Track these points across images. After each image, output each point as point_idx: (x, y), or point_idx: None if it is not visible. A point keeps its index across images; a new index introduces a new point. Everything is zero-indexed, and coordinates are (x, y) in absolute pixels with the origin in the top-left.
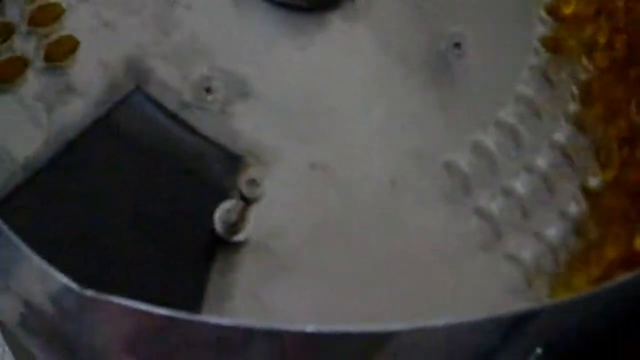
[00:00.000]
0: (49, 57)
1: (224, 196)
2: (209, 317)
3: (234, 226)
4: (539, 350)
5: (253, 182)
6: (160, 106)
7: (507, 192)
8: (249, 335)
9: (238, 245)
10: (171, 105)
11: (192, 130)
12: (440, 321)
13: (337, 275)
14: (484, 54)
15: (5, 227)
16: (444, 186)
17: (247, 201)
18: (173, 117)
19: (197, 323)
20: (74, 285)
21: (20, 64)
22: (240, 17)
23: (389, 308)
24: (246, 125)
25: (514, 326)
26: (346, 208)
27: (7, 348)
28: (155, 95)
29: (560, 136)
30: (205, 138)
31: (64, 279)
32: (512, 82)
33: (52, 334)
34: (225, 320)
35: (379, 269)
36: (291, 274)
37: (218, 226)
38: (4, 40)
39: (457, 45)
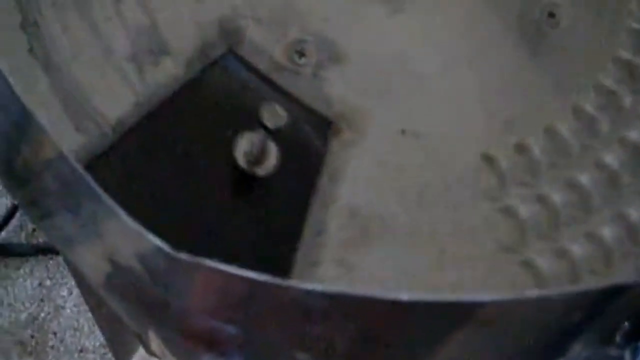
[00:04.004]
0: None
1: (315, 160)
2: (298, 283)
3: (257, 157)
4: (626, 325)
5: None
6: (252, 68)
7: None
8: (338, 301)
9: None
10: (263, 67)
11: (284, 94)
12: (531, 292)
13: (423, 243)
14: (579, 22)
15: (96, 185)
16: (537, 155)
17: (271, 132)
18: (265, 79)
19: (287, 288)
20: (166, 247)
21: None
22: None
23: (474, 277)
24: (338, 90)
25: (604, 300)
26: (436, 175)
27: None
28: (247, 57)
29: None
30: (297, 101)
31: (157, 241)
32: (609, 48)
33: (138, 294)
34: (314, 286)
35: (464, 238)
36: (379, 239)
37: (239, 157)
38: None
39: (552, 15)
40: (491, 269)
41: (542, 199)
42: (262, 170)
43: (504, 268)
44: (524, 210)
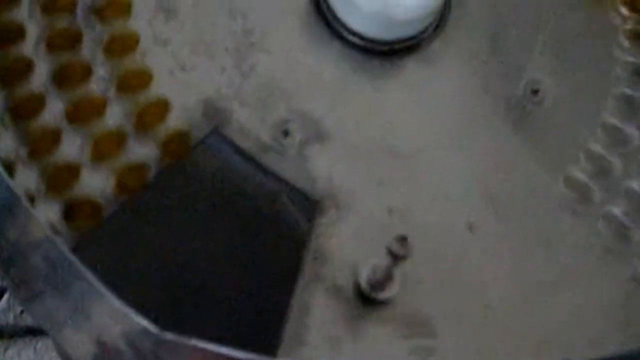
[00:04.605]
0: (141, 124)
1: (300, 239)
2: None
3: (380, 284)
4: None
5: (403, 240)
6: (237, 148)
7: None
8: None
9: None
10: (248, 147)
11: (269, 173)
12: None
13: (413, 319)
14: (562, 97)
15: (82, 266)
16: (523, 228)
17: (396, 258)
18: (250, 159)
19: None
20: (152, 327)
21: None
22: (317, 60)
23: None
24: (323, 169)
25: None
26: (422, 254)
27: None
28: (232, 138)
29: None
30: (282, 181)
31: (142, 321)
32: (594, 121)
33: None
34: None
35: (455, 316)
36: (366, 318)
37: (363, 284)
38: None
39: (535, 92)
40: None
41: None
42: (383, 295)
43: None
44: None
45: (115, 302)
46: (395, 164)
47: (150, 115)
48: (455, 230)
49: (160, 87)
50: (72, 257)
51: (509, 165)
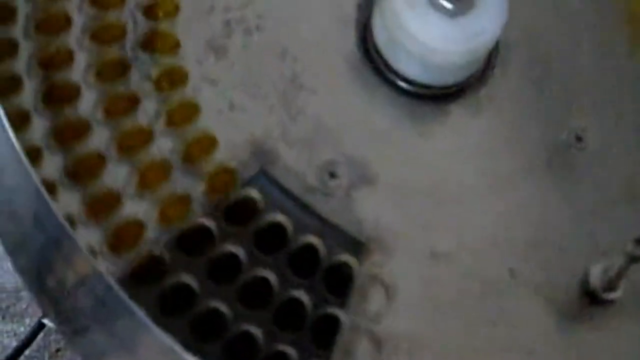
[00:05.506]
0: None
1: (346, 281)
2: None
3: (611, 283)
4: None
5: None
6: (284, 189)
7: None
8: None
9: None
10: (295, 188)
11: (315, 214)
12: None
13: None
14: (607, 145)
15: (130, 301)
16: (561, 276)
17: (632, 260)
18: (297, 200)
19: None
20: None
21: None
22: (364, 104)
23: None
24: (369, 211)
25: None
26: (463, 294)
27: None
28: (279, 178)
29: None
30: (328, 223)
31: (189, 357)
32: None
33: None
34: None
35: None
36: (410, 358)
37: (595, 283)
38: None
39: (579, 139)
40: None
41: None
42: (612, 295)
43: None
44: None
45: (162, 337)
46: (440, 208)
47: (197, 151)
48: (497, 275)
49: (208, 126)
50: (120, 292)
51: (553, 211)
